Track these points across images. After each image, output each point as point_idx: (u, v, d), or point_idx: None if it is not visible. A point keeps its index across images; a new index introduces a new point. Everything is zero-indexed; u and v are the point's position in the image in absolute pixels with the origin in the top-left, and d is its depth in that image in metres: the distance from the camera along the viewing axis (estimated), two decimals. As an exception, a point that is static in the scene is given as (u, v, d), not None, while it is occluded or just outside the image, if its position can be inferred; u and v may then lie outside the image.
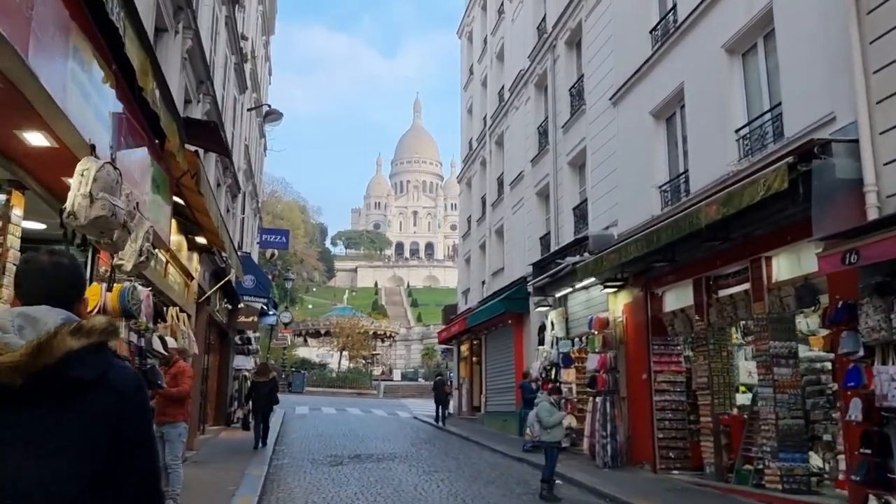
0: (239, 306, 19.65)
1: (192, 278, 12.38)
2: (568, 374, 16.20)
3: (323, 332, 60.89)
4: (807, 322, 10.44)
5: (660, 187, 13.15)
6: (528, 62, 20.92)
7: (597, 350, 13.99)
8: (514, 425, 19.61)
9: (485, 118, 26.51)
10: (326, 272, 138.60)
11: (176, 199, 9.04)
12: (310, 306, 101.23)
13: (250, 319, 19.46)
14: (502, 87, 24.38)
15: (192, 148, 7.77)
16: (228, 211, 18.88)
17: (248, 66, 20.85)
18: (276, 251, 27.96)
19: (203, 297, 13.00)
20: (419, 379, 55.82)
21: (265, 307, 22.81)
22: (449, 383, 29.62)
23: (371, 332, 59.99)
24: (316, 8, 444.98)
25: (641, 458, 12.95)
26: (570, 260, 14.38)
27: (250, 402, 15.84)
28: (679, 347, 12.99)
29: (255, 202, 25.49)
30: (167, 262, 10.12)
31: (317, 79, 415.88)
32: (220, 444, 15.69)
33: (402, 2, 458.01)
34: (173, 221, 10.23)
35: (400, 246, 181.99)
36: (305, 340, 63.93)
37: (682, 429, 12.62)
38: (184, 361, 8.98)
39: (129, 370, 1.84)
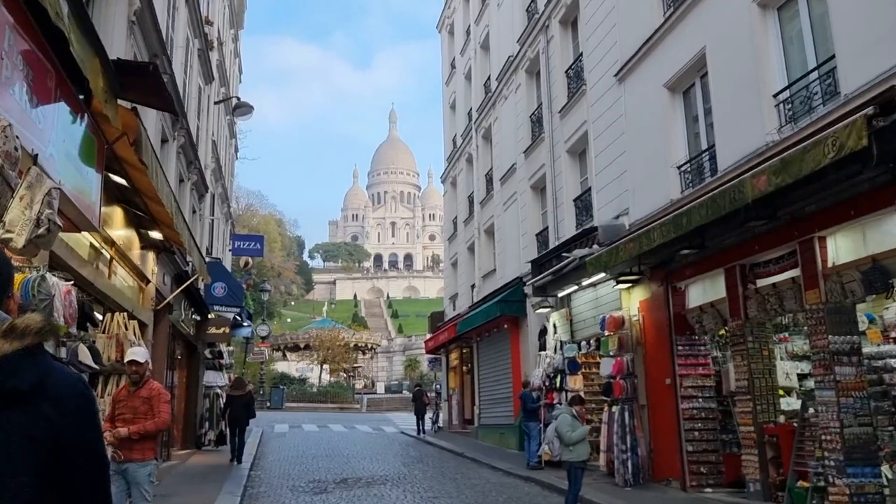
0: (210, 317, 17.90)
1: (148, 281, 10.68)
2: (575, 381, 14.64)
3: (302, 345, 58.94)
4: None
5: (679, 167, 11.70)
6: (517, 47, 19.48)
7: (611, 353, 12.46)
8: (513, 439, 18.02)
9: (469, 113, 25.03)
10: (304, 285, 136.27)
11: (115, 178, 7.39)
12: (288, 320, 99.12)
13: (221, 331, 17.71)
14: (488, 78, 22.93)
15: (129, 105, 6.13)
16: (195, 212, 17.17)
17: (214, 56, 19.19)
18: (250, 259, 26.18)
19: (162, 304, 11.29)
20: (403, 391, 54.03)
21: (238, 318, 21.04)
22: (427, 394, 28.06)
23: (352, 345, 58.14)
24: (286, 20, 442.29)
25: (667, 473, 11.42)
26: (577, 253, 12.87)
27: (226, 417, 15.84)
28: (706, 347, 11.52)
29: (226, 206, 23.74)
30: (112, 258, 8.44)
31: (290, 91, 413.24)
32: (188, 471, 13.91)
33: (373, 15, 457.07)
34: (121, 213, 8.58)
35: (379, 257, 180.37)
36: (284, 355, 61.89)
37: (714, 440, 11.12)
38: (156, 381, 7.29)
39: (73, 377, 1.61)
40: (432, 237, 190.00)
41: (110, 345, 7.87)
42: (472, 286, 23.82)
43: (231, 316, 18.90)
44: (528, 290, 18.03)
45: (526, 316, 18.11)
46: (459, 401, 24.91)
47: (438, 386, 30.08)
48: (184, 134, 14.07)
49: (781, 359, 10.63)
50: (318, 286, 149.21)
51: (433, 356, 27.72)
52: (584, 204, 15.50)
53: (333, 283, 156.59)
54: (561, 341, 15.24)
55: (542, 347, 16.25)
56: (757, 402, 9.70)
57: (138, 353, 6.25)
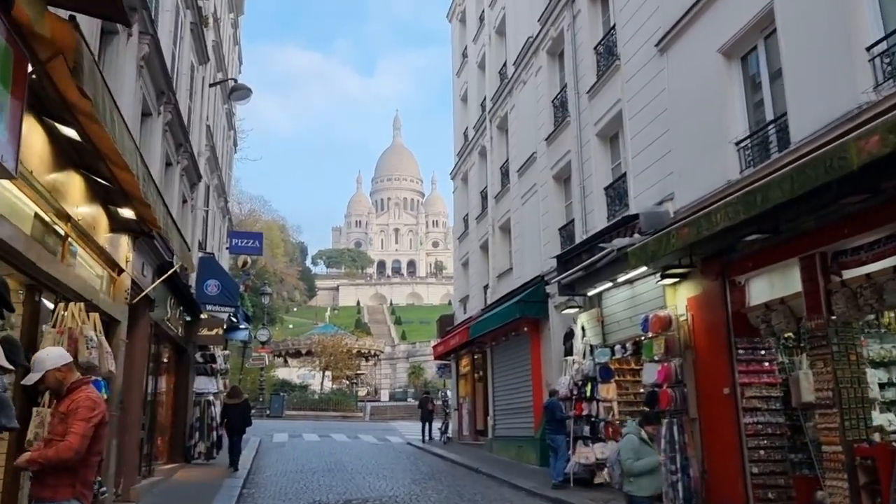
0: (202, 317, 16.33)
1: (121, 271, 9.12)
2: (607, 390, 13.05)
3: (304, 351, 57.27)
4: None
5: (738, 143, 10.12)
6: (537, 27, 17.94)
7: (656, 358, 10.84)
8: (534, 453, 16.41)
9: (483, 103, 23.50)
10: (307, 291, 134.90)
11: (65, 129, 5.84)
12: (290, 326, 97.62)
13: (214, 333, 16.13)
14: (504, 65, 21.40)
15: (65, 14, 4.57)
16: (186, 201, 15.64)
17: (210, 36, 17.69)
18: (248, 258, 24.63)
19: (138, 297, 9.72)
20: (408, 399, 52.35)
21: (234, 319, 19.46)
22: (434, 401, 26.45)
23: (355, 351, 56.45)
24: (288, 27, 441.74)
25: (726, 499, 9.77)
26: (617, 243, 11.27)
27: (224, 425, 15.75)
28: (771, 352, 9.91)
29: (222, 201, 22.21)
30: (68, 236, 6.88)
31: (293, 97, 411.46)
32: (172, 489, 12.32)
33: (375, 22, 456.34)
34: (81, 182, 7.03)
35: (382, 264, 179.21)
36: (286, 361, 60.22)
37: (782, 460, 9.49)
38: (93, 389, 5.71)
39: None
40: (435, 244, 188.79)
41: (61, 341, 6.31)
42: (486, 287, 22.22)
43: (225, 316, 17.32)
44: (550, 289, 16.45)
45: (548, 318, 16.52)
46: (470, 410, 23.27)
47: (446, 394, 28.46)
48: (171, 110, 12.54)
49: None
50: (321, 292, 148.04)
51: (442, 362, 26.10)
52: (616, 192, 13.92)
53: (336, 289, 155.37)
54: (591, 345, 13.63)
55: (569, 352, 14.65)
56: (845, 416, 8.09)
57: (41, 357, 4.62)
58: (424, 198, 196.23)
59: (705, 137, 10.71)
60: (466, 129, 25.68)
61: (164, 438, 14.85)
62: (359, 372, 60.70)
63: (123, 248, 9.07)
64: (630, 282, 12.50)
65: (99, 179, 7.04)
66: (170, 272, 10.48)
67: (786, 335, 9.98)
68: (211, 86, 17.75)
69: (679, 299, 11.03)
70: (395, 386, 72.34)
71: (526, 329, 17.02)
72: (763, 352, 9.85)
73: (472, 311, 23.04)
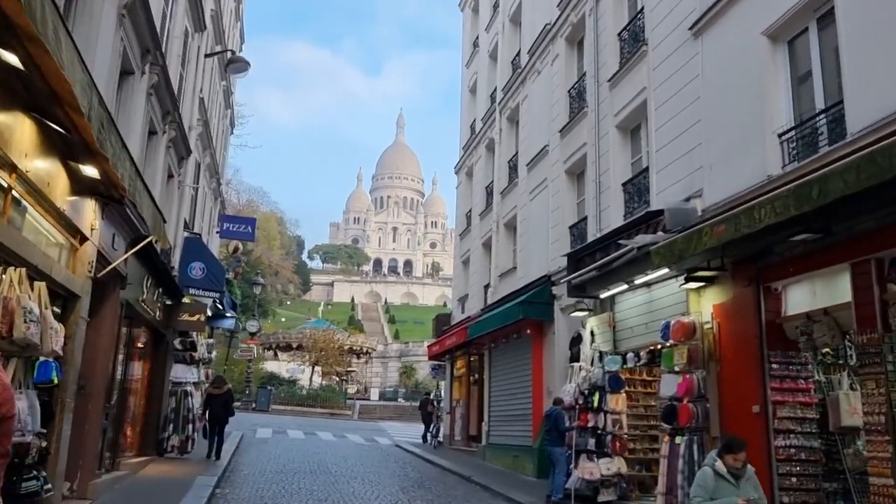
0: (184, 301, 15.28)
1: (84, 239, 8.06)
2: (617, 401, 12.01)
3: (295, 345, 56.23)
4: None
5: (781, 135, 9.11)
6: (556, 13, 16.95)
7: (676, 368, 9.82)
8: (530, 464, 15.39)
9: (493, 94, 22.50)
10: (302, 285, 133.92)
11: (5, 54, 4.80)
12: (283, 319, 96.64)
13: (196, 318, 15.06)
14: (517, 54, 20.40)
15: None
16: (172, 176, 14.59)
17: (208, 4, 16.67)
18: (240, 244, 23.58)
19: (105, 271, 8.66)
20: (399, 399, 51.27)
21: (220, 306, 18.41)
22: (434, 403, 25.39)
23: (346, 347, 55.39)
24: (297, 23, 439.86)
25: (750, 530, 8.75)
26: (638, 240, 10.24)
27: (205, 415, 15.56)
28: (808, 368, 8.90)
29: (215, 182, 21.16)
30: (11, 188, 5.84)
31: (298, 93, 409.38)
32: (136, 486, 11.26)
33: (383, 23, 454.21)
34: (33, 128, 6.00)
35: (378, 262, 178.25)
36: (276, 354, 59.19)
37: (816, 489, 8.48)
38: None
39: None
40: (433, 245, 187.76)
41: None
42: (486, 286, 21.20)
43: (209, 302, 16.26)
44: (557, 290, 15.44)
45: (553, 321, 15.50)
46: (464, 414, 22.22)
47: (439, 394, 27.32)
48: (158, 73, 11.51)
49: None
50: (316, 287, 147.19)
51: (436, 363, 25.03)
52: (636, 188, 12.91)
53: (331, 284, 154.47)
54: (600, 352, 12.61)
55: (575, 358, 13.62)
56: (898, 444, 7.07)
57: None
58: (424, 198, 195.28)
59: (743, 128, 9.71)
60: (474, 121, 24.68)
61: (135, 429, 13.79)
62: (349, 369, 59.67)
63: (88, 214, 8.02)
64: (647, 285, 11.50)
65: (53, 126, 5.99)
66: (141, 244, 9.42)
67: (823, 351, 9.00)
68: (207, 56, 16.69)
69: (704, 305, 10.02)
70: (386, 385, 71.28)
71: (529, 331, 15.99)
72: (798, 367, 8.85)
73: (471, 310, 22.01)
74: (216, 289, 15.74)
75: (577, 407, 12.71)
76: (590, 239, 13.93)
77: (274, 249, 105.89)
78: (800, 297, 8.72)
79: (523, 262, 18.02)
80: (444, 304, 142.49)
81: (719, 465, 6.14)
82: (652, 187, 11.99)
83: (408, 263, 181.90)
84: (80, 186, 7.52)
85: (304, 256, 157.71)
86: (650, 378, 12.61)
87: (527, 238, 17.96)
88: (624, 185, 13.31)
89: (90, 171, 6.96)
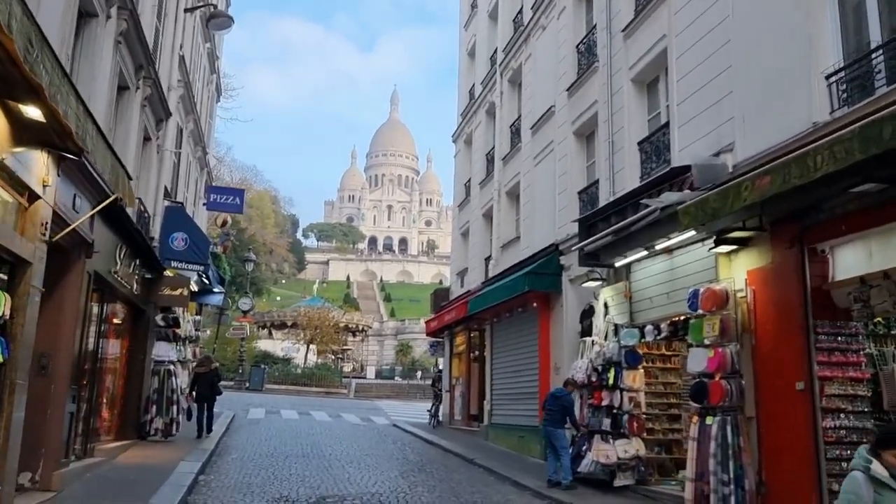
0: (167, 274, 14.23)
1: (35, 197, 6.99)
2: (634, 378, 11.07)
3: (289, 323, 55.40)
4: None
5: (829, 77, 8.03)
6: (562, -36, 15.76)
7: (706, 342, 8.82)
8: (537, 445, 14.46)
9: (493, 56, 21.32)
10: (297, 264, 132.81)
11: None
12: (278, 298, 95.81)
13: (178, 293, 14.01)
14: (519, 11, 19.20)
15: None
16: (149, 139, 13.47)
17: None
18: (228, 217, 22.48)
19: (60, 234, 7.58)
20: (395, 377, 50.46)
21: (206, 280, 17.37)
22: (434, 383, 24.52)
23: (342, 325, 54.54)
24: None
25: (793, 520, 7.84)
26: (665, 198, 9.18)
27: (193, 394, 15.57)
28: (859, 339, 7.93)
29: (200, 150, 20.00)
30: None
31: (290, 70, 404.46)
32: (111, 474, 10.27)
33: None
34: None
35: (373, 240, 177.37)
36: (270, 332, 58.37)
37: (869, 475, 7.54)
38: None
39: None
40: (428, 222, 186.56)
41: None
42: (487, 259, 20.18)
43: (193, 276, 15.22)
44: (565, 259, 14.45)
45: (561, 292, 14.52)
46: (464, 392, 21.32)
47: (438, 371, 26.39)
48: (127, 19, 10.35)
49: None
50: (311, 266, 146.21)
51: (434, 339, 24.07)
52: (653, 147, 11.85)
53: (326, 263, 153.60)
54: (615, 325, 11.63)
55: (587, 332, 12.65)
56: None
57: None
58: (419, 175, 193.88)
59: (782, 73, 8.63)
60: (473, 86, 23.50)
61: (114, 411, 12.81)
62: (345, 347, 58.92)
63: (39, 168, 6.94)
64: (669, 251, 10.48)
65: None
66: (103, 204, 8.32)
67: (874, 320, 8.03)
68: (186, 11, 15.47)
69: (736, 271, 9.02)
70: (383, 363, 70.58)
71: (535, 304, 15.00)
72: (848, 339, 7.87)
73: (471, 284, 21.01)
74: (200, 261, 14.69)
75: (591, 384, 11.78)
76: (602, 203, 12.90)
77: (268, 228, 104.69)
78: (852, 260, 7.71)
79: (528, 232, 16.99)
80: (440, 282, 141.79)
81: (877, 467, 4.14)
82: (673, 144, 10.93)
83: (403, 241, 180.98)
84: (27, 135, 6.42)
85: (299, 235, 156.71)
86: (669, 353, 11.66)
87: (531, 206, 16.91)
88: (640, 143, 12.24)
89: (33, 112, 5.86)
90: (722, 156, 9.49)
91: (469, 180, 22.92)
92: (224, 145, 67.75)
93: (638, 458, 10.79)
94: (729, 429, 8.31)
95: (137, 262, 12.38)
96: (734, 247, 8.95)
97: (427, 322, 23.87)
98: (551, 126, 15.91)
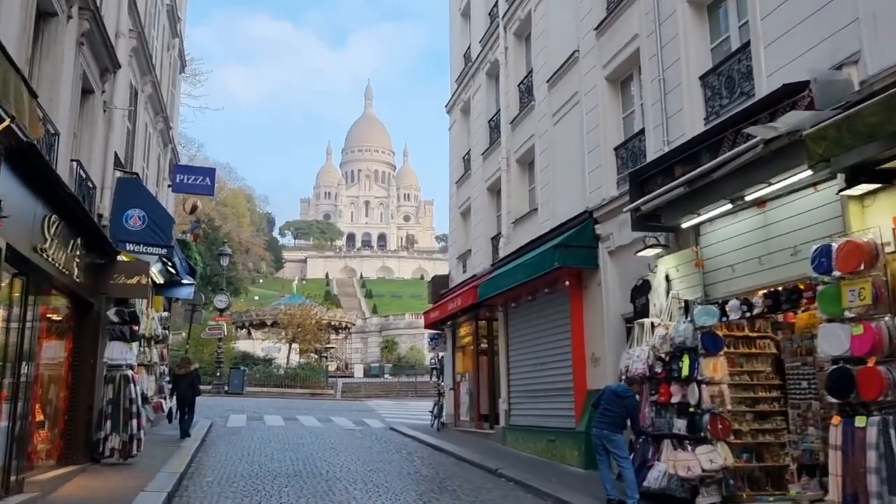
0: (121, 259, 11.68)
1: None
2: (714, 367, 8.73)
3: (269, 322, 52.60)
4: None
5: None
6: None
7: (849, 314, 6.48)
8: (574, 452, 12.17)
9: (492, 10, 18.91)
10: (274, 263, 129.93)
11: None
12: (256, 297, 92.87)
13: (135, 281, 11.44)
14: (524, -46, 16.79)
15: None
16: (92, 91, 10.89)
17: None
18: (198, 201, 19.86)
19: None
20: (385, 375, 47.93)
21: (170, 266, 14.79)
22: (434, 379, 22.13)
23: (325, 323, 51.84)
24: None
25: None
26: (789, 119, 6.80)
27: (173, 396, 16.00)
28: None
29: (161, 121, 17.34)
30: None
31: (262, 68, 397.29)
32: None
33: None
34: None
35: (352, 237, 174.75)
36: (249, 332, 55.53)
37: None
38: None
39: None
40: (407, 218, 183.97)
41: None
42: (495, 237, 17.80)
43: (153, 259, 12.65)
44: (603, 228, 12.12)
45: (598, 267, 12.19)
46: (471, 390, 18.92)
47: (435, 361, 23.92)
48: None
49: None
50: (289, 264, 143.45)
51: (435, 332, 21.65)
52: (723, 79, 9.52)
53: (304, 261, 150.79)
54: (685, 301, 9.31)
55: (641, 313, 10.29)
56: None
57: None
58: (396, 170, 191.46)
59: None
60: (468, 48, 21.07)
61: (55, 430, 10.23)
62: (328, 345, 56.23)
63: None
64: (762, 202, 8.17)
65: None
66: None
67: None
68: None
69: (876, 219, 6.70)
70: (367, 360, 67.98)
71: (567, 283, 12.62)
72: None
73: (477, 268, 18.61)
74: (162, 243, 12.11)
75: (654, 377, 9.45)
76: (650, 158, 10.57)
77: (244, 226, 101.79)
78: None
79: (547, 202, 14.63)
80: (421, 277, 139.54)
81: None
82: (758, 69, 8.60)
83: (382, 237, 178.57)
84: None
85: (276, 233, 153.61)
86: (754, 334, 9.35)
87: (551, 171, 14.55)
88: (704, 77, 9.91)
89: None
90: (845, 69, 7.19)
91: (468, 153, 20.50)
92: (195, 142, 64.60)
93: (726, 469, 8.47)
94: (893, 433, 6.00)
95: (79, 241, 9.81)
96: (875, 186, 6.64)
97: (426, 313, 21.41)
98: (575, 75, 13.55)
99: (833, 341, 6.53)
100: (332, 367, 53.94)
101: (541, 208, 14.92)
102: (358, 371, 55.56)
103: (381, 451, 15.03)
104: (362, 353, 76.43)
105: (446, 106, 22.82)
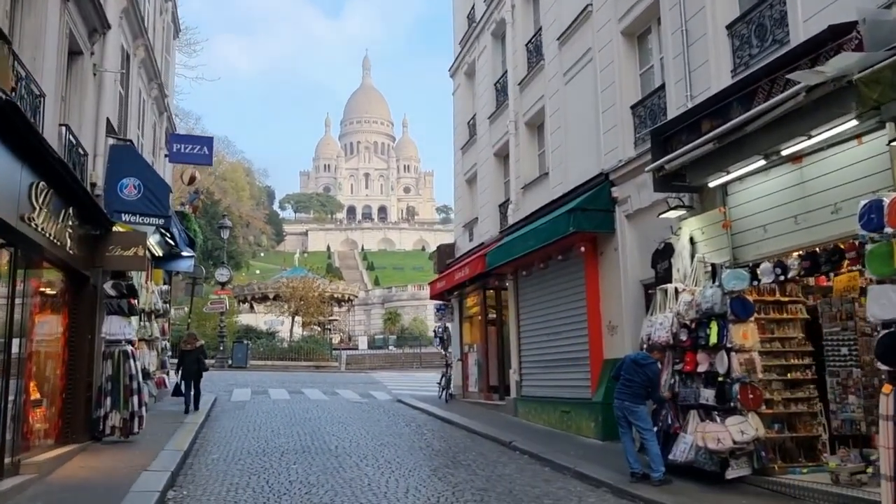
0: (117, 230, 11.17)
1: None
2: (744, 335, 8.26)
3: (272, 296, 52.14)
4: None
5: None
6: None
7: (901, 274, 6.01)
8: (590, 423, 11.80)
9: (498, -32, 18.14)
10: (275, 236, 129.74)
11: None
12: (257, 271, 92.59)
13: (131, 252, 10.95)
14: None
15: None
16: (79, 53, 10.28)
17: None
18: (196, 173, 19.26)
19: None
20: (389, 346, 47.67)
21: (170, 239, 14.30)
22: (441, 350, 21.75)
23: (328, 295, 51.40)
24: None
25: None
26: (838, 64, 6.22)
27: (179, 371, 16.02)
28: None
29: (155, 88, 16.69)
30: None
31: (257, 39, 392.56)
32: (41, 498, 7.33)
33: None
34: None
35: (352, 209, 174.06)
36: (251, 306, 55.13)
37: None
38: None
39: None
40: (407, 189, 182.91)
41: None
42: (503, 204, 17.26)
43: (151, 230, 12.15)
44: (619, 192, 11.59)
45: (614, 232, 11.68)
46: (480, 360, 18.54)
47: (440, 330, 23.46)
48: None
49: None
50: (290, 237, 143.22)
51: (442, 302, 21.18)
52: (754, 27, 8.92)
53: (305, 234, 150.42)
54: (712, 265, 8.82)
55: (664, 278, 9.80)
56: None
57: None
58: (395, 142, 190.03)
59: None
60: (472, 8, 20.34)
61: (53, 409, 9.82)
62: (331, 318, 55.90)
63: None
64: (798, 157, 7.64)
65: None
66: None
67: None
68: None
69: (930, 171, 6.18)
70: (371, 333, 67.82)
71: (582, 249, 12.11)
72: None
73: (484, 236, 18.11)
74: (159, 212, 11.60)
75: (679, 345, 9.00)
76: (671, 115, 10.00)
77: (243, 200, 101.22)
78: None
79: (558, 165, 14.07)
80: (423, 249, 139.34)
81: None
82: (794, 13, 8.01)
83: (382, 209, 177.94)
84: None
85: (276, 207, 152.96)
86: (785, 298, 8.85)
87: (562, 133, 13.96)
88: (731, 26, 9.30)
89: None
90: (894, 8, 6.61)
91: (473, 117, 19.88)
92: (193, 115, 63.44)
93: (757, 441, 8.05)
94: (952, 401, 5.55)
95: (71, 211, 9.29)
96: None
97: (432, 283, 20.94)
98: (588, 31, 12.91)
99: (884, 304, 6.04)
100: (335, 339, 53.70)
101: (552, 173, 14.37)
102: (362, 343, 55.33)
103: (389, 424, 14.67)
104: (365, 325, 76.30)
105: (450, 69, 22.11)
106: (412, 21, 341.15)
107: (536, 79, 15.35)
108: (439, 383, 20.03)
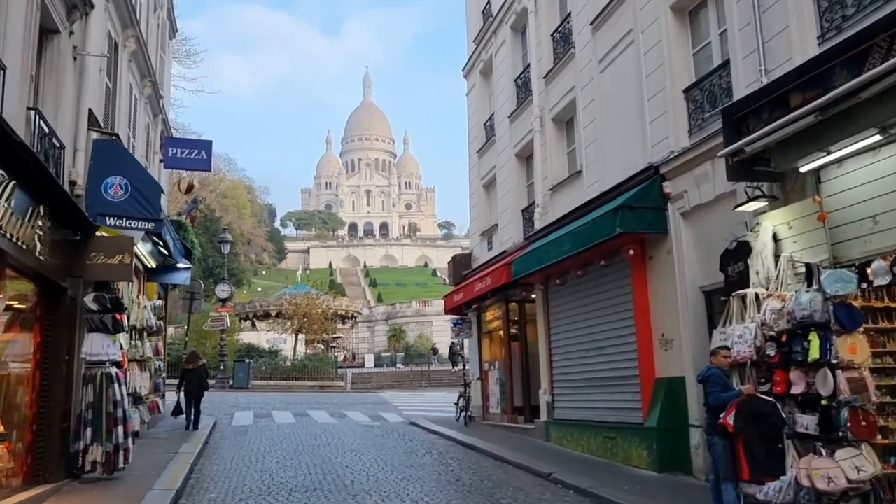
0: (100, 234, 9.76)
1: None
2: (852, 348, 6.80)
3: (274, 313, 50.80)
4: None
5: None
6: None
7: None
8: (643, 451, 10.29)
9: (517, -44, 16.86)
10: (276, 254, 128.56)
11: None
12: (259, 289, 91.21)
13: (116, 260, 9.53)
14: None
15: None
16: (55, 32, 8.93)
17: None
18: (195, 181, 17.90)
19: None
20: (397, 364, 46.06)
21: (163, 248, 12.87)
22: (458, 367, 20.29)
23: (332, 312, 49.96)
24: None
25: None
26: None
27: (181, 390, 15.82)
28: None
29: (149, 86, 15.34)
30: None
31: (258, 58, 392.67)
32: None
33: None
34: None
35: (354, 226, 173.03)
36: (253, 324, 53.80)
37: None
38: None
39: None
40: (408, 206, 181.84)
41: None
42: (527, 209, 15.85)
43: (140, 234, 10.73)
44: (673, 187, 10.16)
45: (667, 232, 10.24)
46: (502, 379, 17.03)
47: (455, 345, 22.06)
48: None
49: None
50: (291, 255, 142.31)
51: (459, 317, 19.70)
52: (846, -15, 7.53)
53: (307, 251, 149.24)
54: (807, 266, 7.36)
55: (737, 283, 8.34)
56: None
57: None
58: (396, 158, 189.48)
59: None
60: (488, 3, 19.04)
61: (23, 443, 8.34)
62: (336, 335, 54.46)
63: None
64: (923, 131, 6.22)
65: None
66: None
67: None
68: None
69: None
70: (376, 350, 66.23)
71: (631, 252, 10.64)
72: None
73: (506, 244, 16.66)
74: (148, 216, 10.18)
75: (765, 362, 7.53)
76: (741, 94, 8.59)
77: (245, 218, 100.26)
78: None
79: (594, 162, 12.66)
80: (425, 265, 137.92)
81: None
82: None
83: (384, 226, 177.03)
84: None
85: (277, 224, 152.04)
86: None
87: (598, 127, 12.57)
88: (817, -11, 7.92)
89: None
90: None
91: (491, 118, 18.51)
92: (193, 132, 62.39)
93: (875, 479, 6.57)
94: None
95: (42, 210, 7.87)
96: None
97: (447, 296, 19.43)
98: (628, 10, 11.56)
99: None
100: (340, 357, 52.20)
101: (586, 171, 12.95)
102: (368, 361, 53.75)
103: (407, 452, 13.16)
104: (369, 342, 74.72)
105: (463, 69, 20.78)
106: (411, 40, 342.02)
107: (565, 70, 13.98)
108: (457, 404, 18.49)
